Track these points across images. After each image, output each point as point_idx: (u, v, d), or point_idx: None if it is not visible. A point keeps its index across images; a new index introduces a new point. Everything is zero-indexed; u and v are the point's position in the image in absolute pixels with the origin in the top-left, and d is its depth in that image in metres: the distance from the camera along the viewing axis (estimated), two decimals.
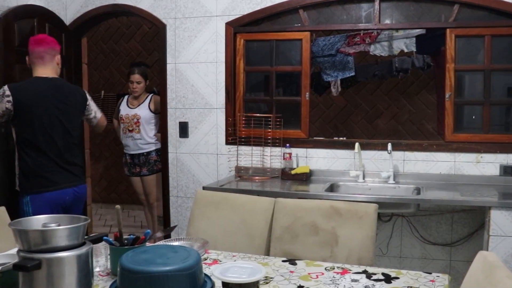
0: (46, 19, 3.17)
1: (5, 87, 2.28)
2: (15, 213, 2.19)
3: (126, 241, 1.50)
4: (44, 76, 2.37)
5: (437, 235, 2.91)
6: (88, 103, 2.54)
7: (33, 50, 2.38)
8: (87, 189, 2.61)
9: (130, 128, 3.76)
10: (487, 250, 2.31)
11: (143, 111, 3.74)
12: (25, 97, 2.28)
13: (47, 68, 2.39)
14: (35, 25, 3.06)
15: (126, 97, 3.89)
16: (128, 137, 3.78)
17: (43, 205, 2.26)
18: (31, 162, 2.29)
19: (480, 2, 2.77)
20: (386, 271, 1.51)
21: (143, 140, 3.75)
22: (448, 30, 2.84)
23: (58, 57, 2.44)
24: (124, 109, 3.81)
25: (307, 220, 1.88)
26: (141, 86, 3.75)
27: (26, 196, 2.29)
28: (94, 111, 2.59)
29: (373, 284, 1.42)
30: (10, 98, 2.25)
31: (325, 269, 1.54)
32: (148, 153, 3.79)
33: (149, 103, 3.77)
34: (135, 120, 3.74)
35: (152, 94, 3.83)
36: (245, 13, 3.11)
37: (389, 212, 2.87)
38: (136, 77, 3.72)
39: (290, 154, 3.04)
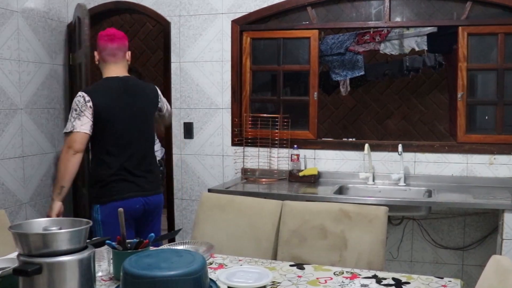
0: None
1: (83, 93, 2.08)
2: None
3: (129, 245, 1.49)
4: (116, 75, 2.18)
5: (449, 239, 2.86)
6: (160, 98, 2.34)
7: (105, 46, 2.17)
8: (163, 199, 2.32)
9: None
10: (501, 254, 2.28)
11: None
12: (101, 101, 2.08)
13: (119, 66, 2.20)
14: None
15: None
16: None
17: (112, 215, 2.05)
18: (101, 170, 2.12)
19: (493, 0, 2.71)
20: (397, 275, 1.49)
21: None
22: (460, 28, 2.80)
23: (128, 54, 2.28)
24: None
25: (315, 224, 1.86)
26: None
27: (96, 204, 2.13)
28: (166, 104, 2.40)
29: None
30: (91, 104, 2.05)
31: (334, 273, 1.52)
32: None
33: None
34: None
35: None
36: (252, 10, 3.08)
37: (399, 215, 2.84)
38: None
39: (298, 155, 3.00)
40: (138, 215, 2.17)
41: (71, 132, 2.03)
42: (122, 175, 2.13)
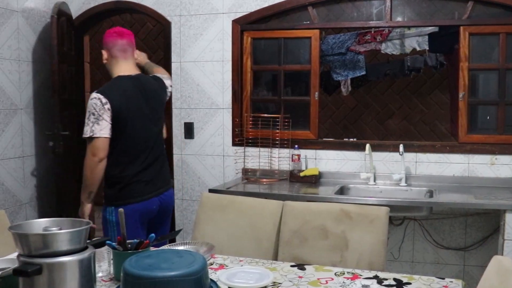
0: (67, 17, 3.25)
1: (98, 95, 2.01)
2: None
3: (129, 246, 1.48)
4: (128, 74, 2.12)
5: (450, 239, 2.85)
6: (167, 90, 2.30)
7: (115, 42, 2.11)
8: (173, 194, 2.33)
9: None
10: (502, 254, 2.27)
11: None
12: (118, 102, 2.02)
13: (129, 64, 2.14)
14: (65, 24, 3.16)
15: None
16: None
17: (128, 216, 2.00)
18: (117, 171, 2.08)
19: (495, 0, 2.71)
20: (398, 276, 1.48)
21: None
22: (461, 28, 2.79)
23: (137, 51, 2.23)
24: None
25: (316, 224, 1.85)
26: None
27: (111, 206, 2.09)
28: (170, 86, 2.35)
29: None
30: (109, 106, 1.99)
31: (335, 274, 1.52)
32: None
33: None
34: None
35: None
36: (253, 10, 3.08)
37: (401, 216, 2.83)
38: None
39: (298, 155, 3.00)
40: (153, 216, 2.16)
41: (91, 137, 1.99)
42: (141, 176, 2.11)
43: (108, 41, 2.13)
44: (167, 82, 2.33)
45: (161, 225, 2.22)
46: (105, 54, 2.14)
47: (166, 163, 2.27)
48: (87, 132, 1.99)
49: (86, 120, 2.00)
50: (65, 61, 3.19)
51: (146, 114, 2.13)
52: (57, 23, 3.02)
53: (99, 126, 1.98)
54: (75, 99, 3.40)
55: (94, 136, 1.98)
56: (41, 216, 3.19)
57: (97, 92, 2.03)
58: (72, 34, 3.32)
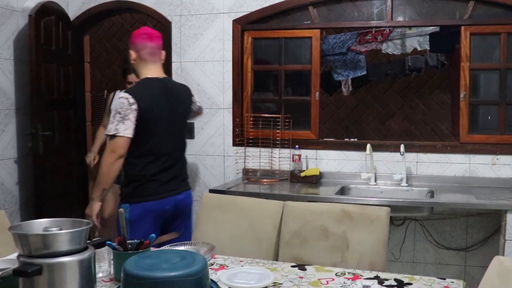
0: (59, 16, 3.20)
1: (126, 94, 2.02)
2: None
3: (130, 246, 1.48)
4: (155, 76, 2.13)
5: (451, 240, 2.85)
6: (193, 98, 2.31)
7: (145, 45, 2.11)
8: (191, 196, 2.30)
9: None
10: (503, 255, 2.26)
11: None
12: (145, 103, 2.03)
13: (157, 67, 2.14)
14: (53, 23, 3.11)
15: (117, 93, 3.13)
16: None
17: (142, 215, 2.07)
18: (137, 170, 2.08)
19: None
20: (399, 276, 1.48)
21: None
22: (462, 28, 2.79)
23: (164, 54, 2.23)
24: None
25: (317, 224, 1.85)
26: None
27: (126, 203, 2.09)
28: (198, 101, 2.36)
29: None
30: (136, 106, 2.00)
31: (336, 274, 1.51)
32: None
33: None
34: None
35: None
36: (253, 10, 3.07)
37: (401, 216, 2.83)
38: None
39: (299, 155, 2.99)
40: (167, 216, 2.15)
41: (114, 135, 1.99)
42: (158, 177, 2.11)
43: (138, 42, 2.12)
44: (195, 100, 2.35)
45: (177, 226, 2.19)
46: (133, 54, 2.13)
47: (185, 168, 2.28)
48: (111, 130, 2.00)
49: (112, 118, 2.01)
50: (53, 60, 3.12)
51: (171, 118, 2.14)
52: (35, 22, 2.91)
53: (124, 125, 1.99)
54: (69, 99, 3.34)
55: (118, 134, 1.99)
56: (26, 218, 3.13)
57: (125, 92, 2.05)
58: (69, 33, 3.30)
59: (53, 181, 3.14)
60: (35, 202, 3.04)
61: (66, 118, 3.31)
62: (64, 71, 3.27)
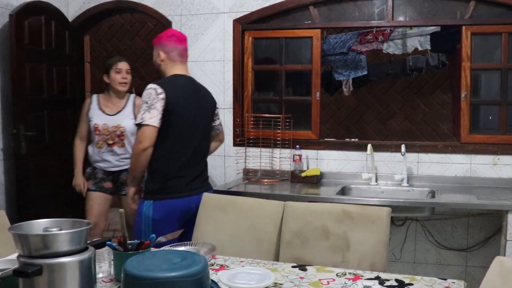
0: (52, 16, 3.16)
1: (154, 85, 2.06)
2: None
3: (130, 246, 1.47)
4: (184, 73, 2.21)
5: (452, 240, 2.84)
6: (217, 109, 2.37)
7: (175, 47, 2.18)
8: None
9: (110, 142, 2.84)
10: (504, 255, 2.26)
11: (128, 121, 2.82)
12: (172, 94, 2.06)
13: (185, 68, 2.22)
14: (42, 23, 3.05)
15: (95, 98, 2.91)
16: (106, 151, 2.85)
17: (166, 212, 2.06)
18: (162, 166, 2.09)
19: None
20: (400, 277, 1.47)
21: (128, 153, 2.85)
22: (463, 28, 2.78)
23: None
24: (99, 117, 2.83)
25: (317, 224, 1.84)
26: (130, 79, 2.88)
27: (149, 200, 2.09)
28: (220, 119, 2.41)
29: None
30: (164, 95, 2.03)
31: (337, 275, 1.51)
32: None
33: (133, 110, 2.87)
34: (118, 133, 2.84)
35: (134, 95, 2.96)
36: (254, 9, 3.07)
37: (402, 216, 2.82)
38: (125, 65, 2.85)
39: (300, 156, 2.99)
40: (191, 215, 2.14)
41: (140, 124, 2.03)
42: (183, 173, 2.13)
43: (167, 44, 2.18)
44: (219, 115, 2.43)
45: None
46: (162, 55, 2.18)
47: (207, 168, 2.30)
48: (137, 119, 2.05)
49: (140, 109, 2.06)
50: (43, 60, 3.07)
51: (196, 114, 2.18)
52: (16, 22, 2.82)
53: (150, 114, 2.01)
54: (67, 99, 3.29)
55: (143, 123, 2.01)
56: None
57: (153, 83, 2.08)
58: (67, 33, 3.27)
59: (41, 182, 3.03)
60: (18, 204, 2.93)
61: (62, 118, 3.24)
62: (60, 71, 3.23)
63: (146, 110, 2.02)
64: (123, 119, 2.84)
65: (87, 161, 2.97)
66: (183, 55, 2.22)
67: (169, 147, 2.10)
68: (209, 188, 2.28)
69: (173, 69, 2.18)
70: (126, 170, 2.80)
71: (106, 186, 2.91)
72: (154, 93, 2.03)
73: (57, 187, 3.15)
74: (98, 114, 2.85)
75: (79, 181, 2.91)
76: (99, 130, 2.83)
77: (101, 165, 2.89)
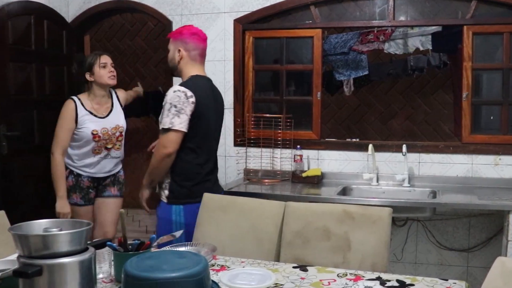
0: (45, 16, 3.12)
1: (182, 88, 1.97)
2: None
3: (130, 247, 1.47)
4: (203, 74, 2.14)
5: (453, 240, 2.84)
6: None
7: (198, 45, 2.10)
8: None
9: (109, 146, 2.61)
10: (506, 255, 2.26)
11: (122, 118, 2.66)
12: (200, 97, 1.99)
13: (203, 68, 2.15)
14: (31, 22, 3.00)
15: (77, 101, 2.56)
16: (104, 157, 2.60)
17: (195, 216, 2.01)
18: (190, 170, 2.04)
19: None
20: (401, 277, 1.47)
21: (122, 156, 2.70)
22: (465, 27, 2.77)
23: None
24: (93, 122, 2.54)
25: (318, 225, 1.84)
26: (115, 72, 2.64)
27: (178, 204, 2.03)
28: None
29: None
30: (194, 99, 1.96)
31: (337, 275, 1.51)
32: (118, 171, 2.74)
33: (120, 104, 2.71)
34: (118, 134, 2.62)
35: (113, 90, 2.75)
36: (254, 9, 3.07)
37: (404, 217, 2.81)
38: (108, 58, 2.61)
39: (301, 156, 2.98)
40: None
41: (168, 129, 1.95)
42: (209, 176, 2.11)
43: (190, 42, 2.09)
44: None
45: None
46: (183, 53, 2.09)
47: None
48: (166, 124, 1.95)
49: (166, 112, 1.96)
50: (32, 60, 2.99)
51: (217, 116, 2.16)
52: None
53: (179, 119, 1.95)
54: (64, 99, 3.06)
55: (173, 128, 1.95)
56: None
57: (180, 85, 2.00)
58: (64, 33, 3.25)
59: (26, 182, 2.92)
60: None
61: (56, 119, 3.02)
62: (55, 71, 3.18)
63: (176, 114, 1.93)
64: (119, 117, 2.64)
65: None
66: (203, 55, 2.15)
67: (197, 151, 2.05)
68: (221, 189, 2.29)
69: (193, 69, 2.10)
70: (113, 174, 2.66)
71: (92, 196, 2.63)
72: (184, 97, 1.95)
73: (46, 187, 2.89)
74: (91, 119, 2.54)
75: (66, 208, 2.52)
76: (99, 136, 2.54)
77: (91, 171, 2.58)
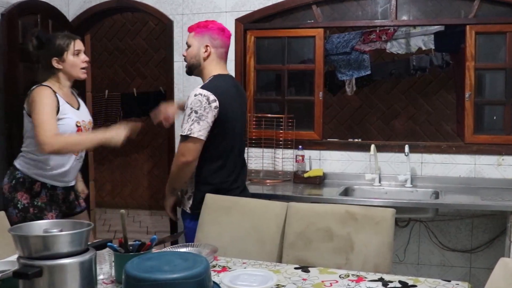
0: (49, 15, 3.13)
1: (204, 91, 1.84)
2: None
3: (131, 247, 1.46)
4: (226, 73, 2.01)
5: (456, 241, 2.83)
6: None
7: (225, 43, 1.98)
8: None
9: None
10: (509, 256, 2.26)
11: (88, 112, 2.27)
12: (225, 100, 1.87)
13: (225, 65, 2.03)
14: (38, 22, 3.00)
15: (52, 88, 2.05)
16: (78, 158, 2.16)
17: None
18: (218, 178, 1.95)
19: None
20: (403, 279, 1.47)
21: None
22: (468, 27, 2.77)
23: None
24: (74, 114, 2.10)
25: (321, 226, 1.83)
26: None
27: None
28: None
29: None
30: (217, 104, 1.84)
31: (340, 276, 1.50)
32: None
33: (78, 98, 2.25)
34: (90, 129, 2.20)
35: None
36: (256, 9, 3.06)
37: (406, 217, 2.81)
38: (82, 45, 2.17)
39: (302, 156, 2.97)
40: None
41: (187, 136, 1.84)
42: (237, 184, 2.02)
43: (218, 38, 1.96)
44: None
45: None
46: (211, 49, 1.95)
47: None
48: (184, 130, 1.85)
49: (186, 117, 1.85)
50: (28, 59, 2.86)
51: (241, 118, 2.04)
52: (8, 21, 2.74)
53: (199, 126, 1.83)
54: None
55: (191, 135, 1.83)
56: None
57: (202, 88, 1.87)
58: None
59: None
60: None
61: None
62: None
63: (196, 120, 1.81)
64: (87, 112, 2.23)
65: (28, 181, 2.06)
66: (227, 53, 2.03)
67: (225, 158, 1.95)
68: (248, 194, 2.14)
69: (217, 68, 1.96)
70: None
71: (66, 211, 2.19)
72: (206, 101, 1.82)
73: None
74: (71, 110, 2.08)
75: (121, 132, 2.02)
76: (81, 130, 2.10)
77: (66, 179, 2.14)
